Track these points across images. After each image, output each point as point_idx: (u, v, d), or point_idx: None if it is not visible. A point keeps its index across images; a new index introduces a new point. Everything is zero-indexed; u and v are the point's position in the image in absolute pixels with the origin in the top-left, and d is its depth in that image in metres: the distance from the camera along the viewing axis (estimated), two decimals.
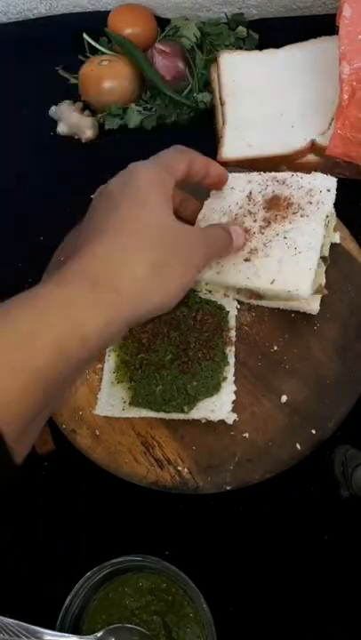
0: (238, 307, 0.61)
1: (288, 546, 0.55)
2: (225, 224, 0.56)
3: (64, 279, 0.39)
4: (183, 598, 0.51)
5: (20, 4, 0.90)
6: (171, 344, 0.57)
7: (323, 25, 0.75)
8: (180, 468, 0.55)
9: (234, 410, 0.56)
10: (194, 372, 0.55)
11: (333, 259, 0.61)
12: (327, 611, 0.52)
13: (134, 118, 0.78)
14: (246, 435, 0.56)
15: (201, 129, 0.77)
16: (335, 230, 0.62)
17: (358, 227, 0.65)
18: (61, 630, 0.48)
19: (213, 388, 0.55)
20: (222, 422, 0.55)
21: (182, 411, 0.55)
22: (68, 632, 0.48)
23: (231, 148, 0.71)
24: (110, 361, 0.59)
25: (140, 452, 0.56)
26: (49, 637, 0.47)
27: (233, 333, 0.59)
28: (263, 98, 0.74)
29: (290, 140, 0.70)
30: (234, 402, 0.56)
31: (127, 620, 0.50)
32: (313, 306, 0.58)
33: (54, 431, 0.60)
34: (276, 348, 0.59)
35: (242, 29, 0.82)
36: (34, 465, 0.60)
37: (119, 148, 0.79)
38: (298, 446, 0.55)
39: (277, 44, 0.77)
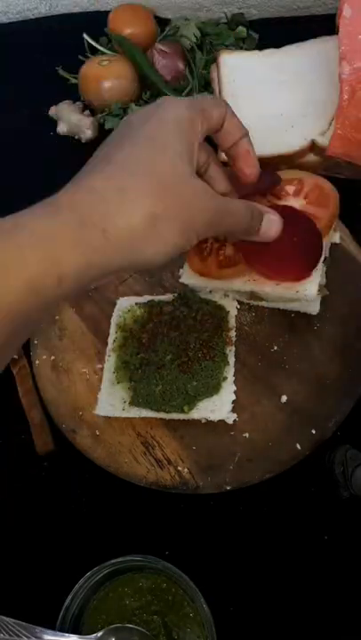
0: (238, 307, 0.61)
1: (288, 546, 0.55)
2: (261, 206, 0.50)
3: (52, 210, 0.36)
4: (183, 598, 0.51)
5: (20, 4, 0.90)
6: (171, 344, 0.56)
7: (323, 25, 0.75)
8: (180, 468, 0.55)
9: (234, 410, 0.56)
10: (194, 371, 0.55)
11: (333, 259, 0.61)
12: (327, 611, 0.52)
13: None
14: (246, 435, 0.56)
15: None
16: (335, 230, 0.62)
17: (358, 227, 0.65)
18: (61, 630, 0.48)
19: (213, 388, 0.55)
20: (222, 422, 0.55)
21: (182, 411, 0.55)
22: (68, 632, 0.48)
23: None
24: (111, 361, 0.59)
25: (140, 452, 0.56)
26: (49, 637, 0.47)
27: (233, 333, 0.59)
28: (263, 98, 0.74)
29: (290, 140, 0.70)
30: (234, 402, 0.56)
31: (127, 620, 0.50)
32: (313, 306, 0.58)
33: (54, 431, 0.60)
34: (276, 348, 0.59)
35: (242, 29, 0.82)
36: (34, 465, 0.60)
37: None
38: (298, 446, 0.55)
39: (277, 44, 0.77)
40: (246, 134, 0.48)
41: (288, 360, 0.58)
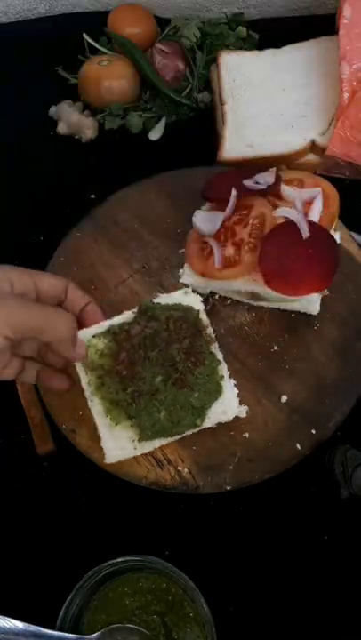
0: (202, 300, 0.57)
1: (288, 546, 0.55)
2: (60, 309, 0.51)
3: None
4: (183, 598, 0.51)
5: (19, 4, 0.90)
6: (155, 365, 0.53)
7: (323, 25, 0.75)
8: (180, 468, 0.55)
9: (240, 402, 0.55)
10: (190, 383, 0.52)
11: None
12: (327, 610, 0.52)
13: (136, 123, 0.78)
14: (246, 435, 0.56)
15: (201, 129, 0.78)
16: (335, 230, 0.62)
17: (359, 227, 0.65)
18: (61, 630, 0.48)
19: (216, 391, 0.53)
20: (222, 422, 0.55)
21: (195, 425, 0.53)
22: (68, 632, 0.48)
23: (231, 148, 0.71)
24: (96, 406, 0.54)
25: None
26: (49, 637, 0.47)
27: (210, 330, 0.56)
28: (263, 98, 0.74)
29: (290, 140, 0.70)
30: (238, 395, 0.55)
31: (127, 620, 0.50)
32: (314, 306, 0.59)
33: (54, 431, 0.60)
34: (276, 348, 0.59)
35: (242, 29, 0.82)
36: (34, 465, 0.60)
37: (119, 148, 0.79)
38: (298, 446, 0.55)
39: (277, 44, 0.77)
40: (90, 302, 0.54)
41: (288, 360, 0.58)
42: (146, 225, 0.67)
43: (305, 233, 0.56)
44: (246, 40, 0.82)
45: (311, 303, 0.58)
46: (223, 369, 0.55)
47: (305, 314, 0.60)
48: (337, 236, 0.61)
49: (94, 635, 0.49)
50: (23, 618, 0.47)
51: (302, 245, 0.55)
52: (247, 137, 0.71)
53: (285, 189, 0.60)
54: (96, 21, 0.85)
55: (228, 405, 0.54)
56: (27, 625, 0.46)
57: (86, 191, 0.74)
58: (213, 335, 0.56)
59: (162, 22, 0.86)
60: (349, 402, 0.56)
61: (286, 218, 0.57)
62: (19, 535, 0.58)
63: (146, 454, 0.56)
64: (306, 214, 0.58)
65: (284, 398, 0.57)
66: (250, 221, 0.59)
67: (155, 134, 0.79)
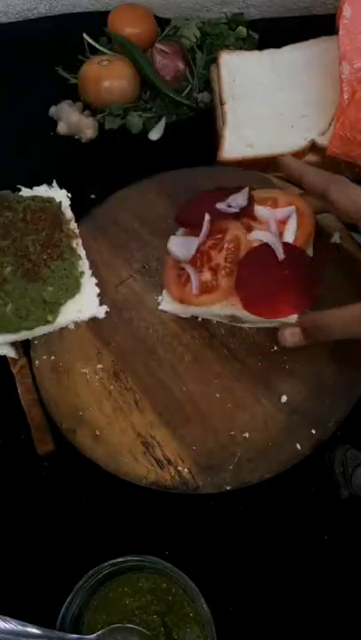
0: (70, 195, 0.52)
1: (288, 546, 0.55)
2: None
3: None
4: (183, 598, 0.51)
5: (19, 4, 0.90)
6: (5, 255, 0.49)
7: (323, 25, 0.75)
8: (180, 468, 0.55)
9: (101, 303, 0.51)
10: (44, 276, 0.49)
11: (333, 259, 0.61)
12: (327, 611, 0.52)
13: (136, 123, 0.78)
14: (246, 435, 0.56)
15: (201, 129, 0.78)
16: (336, 230, 0.62)
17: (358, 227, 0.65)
18: (61, 630, 0.48)
19: (74, 288, 0.50)
20: (220, 421, 0.55)
21: (47, 321, 0.49)
22: (68, 632, 0.48)
23: (231, 148, 0.71)
24: None
25: (140, 452, 0.56)
26: (49, 637, 0.47)
27: (74, 224, 0.52)
28: (263, 98, 0.74)
29: (290, 140, 0.70)
30: (99, 295, 0.51)
31: (127, 620, 0.50)
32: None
33: (54, 431, 0.60)
34: (276, 347, 0.59)
35: (242, 29, 0.82)
36: (34, 465, 0.60)
37: (119, 148, 0.79)
38: (298, 446, 0.55)
39: (277, 44, 0.77)
40: None
41: (288, 360, 0.58)
42: (146, 225, 0.67)
43: (280, 255, 0.55)
44: (246, 40, 0.82)
45: (292, 322, 0.57)
46: (84, 265, 0.51)
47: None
48: (337, 236, 0.61)
49: (94, 635, 0.49)
50: (23, 618, 0.47)
51: (279, 267, 0.55)
52: (247, 137, 0.71)
53: (259, 210, 0.59)
54: (96, 21, 0.85)
55: (85, 304, 0.51)
56: (27, 625, 0.46)
57: (86, 191, 0.74)
58: (77, 231, 0.52)
59: (162, 22, 0.86)
60: (349, 402, 0.56)
61: (261, 240, 0.57)
62: (19, 535, 0.58)
63: (146, 454, 0.56)
64: (281, 234, 0.57)
65: (284, 398, 0.57)
66: (225, 245, 0.59)
67: (155, 134, 0.79)
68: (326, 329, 0.51)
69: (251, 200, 0.60)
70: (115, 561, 0.50)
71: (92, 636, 0.49)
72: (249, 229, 0.59)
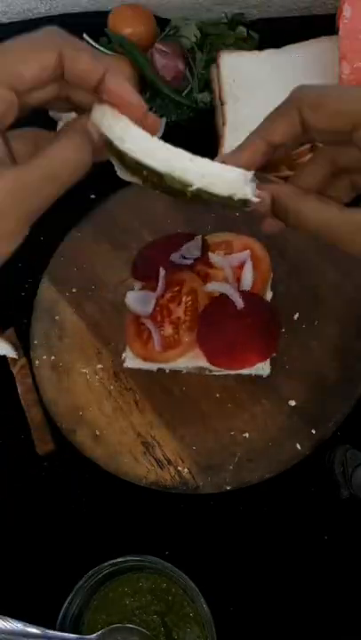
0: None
1: (288, 546, 0.55)
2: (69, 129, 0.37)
3: None
4: (183, 598, 0.51)
5: (20, 4, 0.90)
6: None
7: (323, 25, 0.75)
8: (180, 468, 0.55)
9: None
10: None
11: (333, 259, 0.61)
12: (327, 611, 0.52)
13: None
14: (246, 435, 0.56)
15: (201, 129, 0.77)
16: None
17: None
18: (61, 630, 0.48)
19: None
20: (220, 421, 0.56)
21: None
22: (68, 632, 0.48)
23: (231, 148, 0.70)
24: None
25: (140, 452, 0.56)
26: (49, 637, 0.47)
27: None
28: (263, 98, 0.73)
29: None
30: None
31: (127, 620, 0.50)
32: (264, 370, 0.57)
33: (54, 431, 0.60)
34: None
35: (242, 29, 0.82)
36: (34, 465, 0.60)
37: None
38: (298, 446, 0.55)
39: (277, 44, 0.77)
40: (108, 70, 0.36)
41: (288, 360, 0.58)
42: (146, 225, 0.67)
43: (239, 304, 0.55)
44: (246, 40, 0.82)
45: (259, 369, 0.56)
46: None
47: (305, 314, 0.60)
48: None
49: (94, 635, 0.49)
50: (23, 618, 0.47)
51: (239, 317, 0.54)
52: None
53: (213, 257, 0.59)
54: (96, 21, 0.85)
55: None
56: (27, 625, 0.46)
57: (86, 191, 0.74)
58: None
59: (162, 22, 0.86)
60: (349, 402, 0.56)
61: (219, 291, 0.56)
62: (19, 535, 0.58)
63: (146, 454, 0.56)
64: (238, 280, 0.57)
65: (284, 398, 0.57)
66: (183, 299, 0.58)
67: None
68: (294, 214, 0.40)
69: (205, 248, 0.58)
70: (115, 561, 0.50)
71: (92, 636, 0.49)
72: (206, 278, 0.58)
